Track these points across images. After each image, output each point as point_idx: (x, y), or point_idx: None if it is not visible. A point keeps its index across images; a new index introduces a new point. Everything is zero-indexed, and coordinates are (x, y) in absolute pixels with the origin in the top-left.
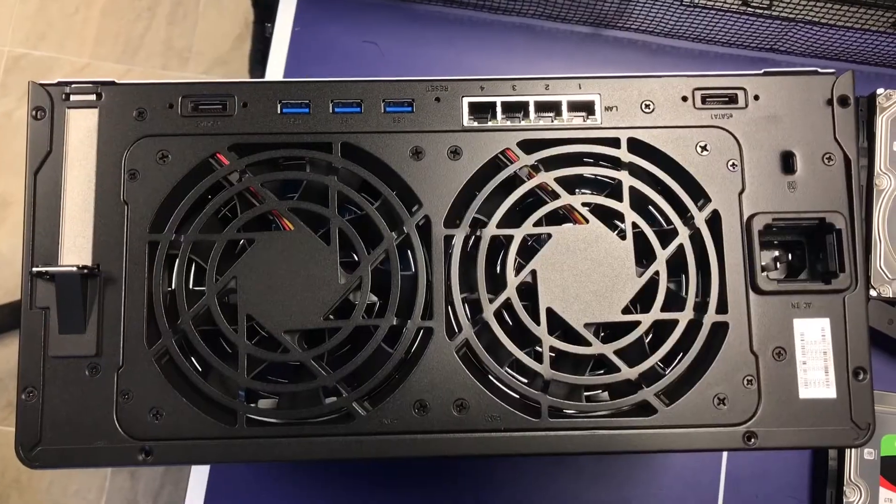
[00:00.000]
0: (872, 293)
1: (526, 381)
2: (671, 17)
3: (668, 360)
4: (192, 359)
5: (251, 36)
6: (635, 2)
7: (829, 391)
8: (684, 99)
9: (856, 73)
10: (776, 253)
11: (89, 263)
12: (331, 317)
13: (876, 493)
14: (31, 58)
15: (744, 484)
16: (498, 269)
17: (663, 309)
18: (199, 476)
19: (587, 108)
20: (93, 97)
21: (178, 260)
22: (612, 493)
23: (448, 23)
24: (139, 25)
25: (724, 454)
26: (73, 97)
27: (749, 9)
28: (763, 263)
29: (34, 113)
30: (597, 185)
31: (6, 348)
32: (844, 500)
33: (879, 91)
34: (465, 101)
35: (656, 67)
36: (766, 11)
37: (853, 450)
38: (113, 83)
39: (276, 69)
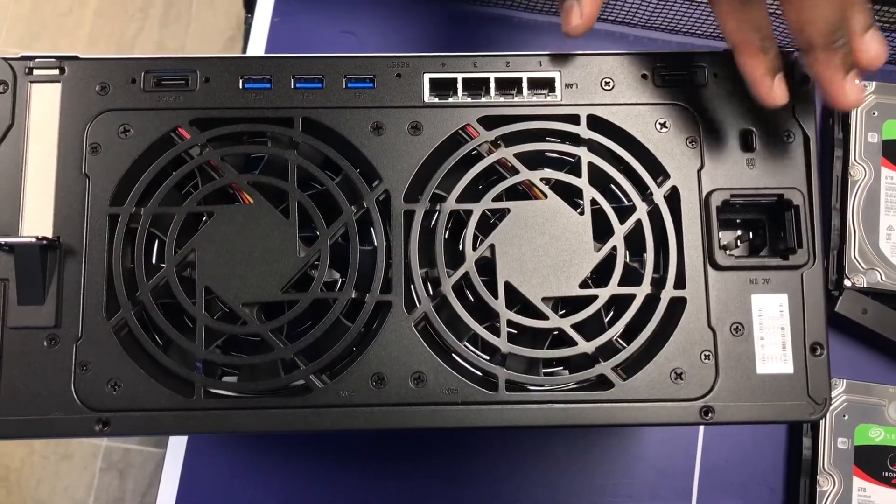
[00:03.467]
0: (847, 283)
1: (487, 356)
2: (647, 9)
3: (628, 336)
4: (154, 334)
5: (243, 37)
6: None
7: (787, 366)
8: (644, 77)
9: None
10: (738, 232)
11: (49, 235)
12: (290, 290)
13: (849, 483)
14: None
15: (718, 472)
16: (460, 246)
17: (621, 284)
18: (171, 471)
19: (548, 85)
20: (56, 72)
21: (137, 232)
22: (587, 481)
23: (425, 14)
24: (132, 26)
25: (700, 441)
26: (35, 71)
27: None
28: (725, 242)
29: None
30: (557, 165)
31: None
32: (818, 489)
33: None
34: (427, 77)
35: None
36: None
37: (827, 439)
38: (76, 58)
39: None
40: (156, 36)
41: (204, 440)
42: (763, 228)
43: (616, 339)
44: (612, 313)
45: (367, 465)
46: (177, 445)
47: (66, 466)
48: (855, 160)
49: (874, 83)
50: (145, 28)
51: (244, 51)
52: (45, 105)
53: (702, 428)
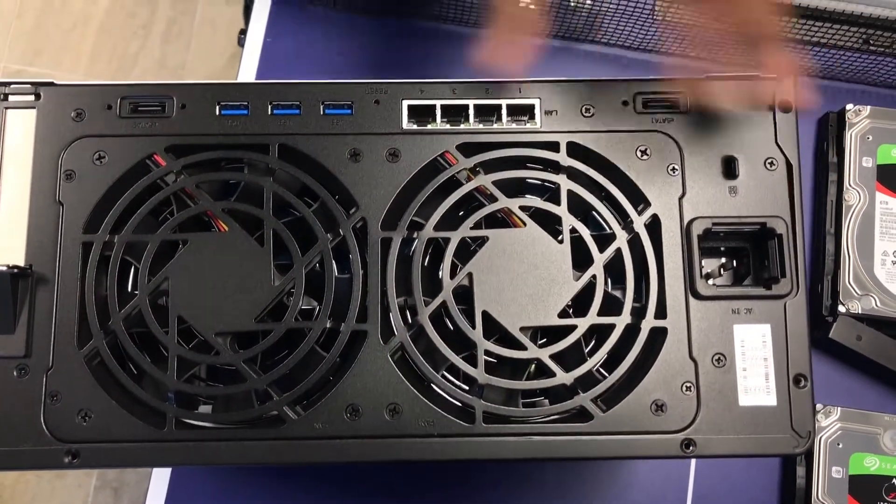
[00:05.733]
0: (841, 309)
1: (466, 387)
2: (641, 31)
3: (608, 366)
4: (128, 363)
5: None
6: (605, 15)
7: (770, 398)
8: (625, 103)
9: (826, 89)
10: (722, 260)
11: (21, 263)
12: (265, 319)
13: None
14: (26, 74)
15: (711, 501)
16: (440, 274)
17: (601, 313)
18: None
19: (527, 111)
20: (31, 98)
21: (111, 260)
22: None
23: (420, 37)
24: (134, 43)
25: (692, 470)
26: (11, 97)
27: (720, 24)
28: (708, 271)
29: None
30: (539, 193)
31: None
32: None
33: (849, 107)
34: (405, 103)
35: None
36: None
37: (821, 468)
38: (52, 84)
39: (246, 79)
40: (157, 53)
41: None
42: (747, 257)
43: (596, 370)
44: (592, 343)
45: (355, 490)
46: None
47: (60, 484)
48: (849, 185)
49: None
50: (147, 45)
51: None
52: (19, 131)
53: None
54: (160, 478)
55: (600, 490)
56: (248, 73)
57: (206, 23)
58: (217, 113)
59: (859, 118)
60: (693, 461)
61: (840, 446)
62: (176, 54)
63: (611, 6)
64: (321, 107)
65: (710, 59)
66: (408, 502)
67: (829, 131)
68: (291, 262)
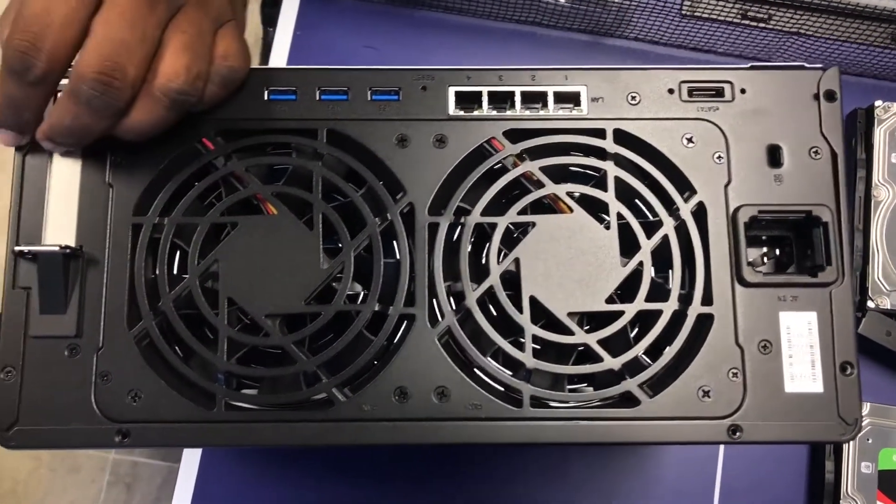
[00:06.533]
0: (871, 304)
1: (509, 371)
2: (670, 27)
3: (652, 352)
4: (174, 344)
5: (261, 51)
6: (635, 11)
7: (816, 385)
8: (671, 91)
9: (855, 85)
10: (764, 249)
11: (72, 244)
12: (312, 302)
13: None
14: None
15: (738, 495)
16: (483, 259)
17: (647, 299)
18: (184, 484)
19: (573, 99)
20: None
21: (161, 243)
22: (603, 501)
23: (448, 29)
24: None
25: (720, 464)
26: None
27: (747, 20)
28: (751, 259)
29: None
30: (583, 180)
31: None
32: None
33: (878, 103)
34: (452, 90)
35: None
36: (764, 24)
37: (850, 463)
38: None
39: None
40: None
41: (217, 455)
42: (789, 245)
43: (641, 356)
44: (636, 330)
45: (381, 483)
46: (190, 461)
47: (73, 479)
48: (878, 181)
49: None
50: None
51: (264, 64)
52: None
53: (721, 449)
54: (186, 478)
55: (626, 482)
56: (277, 65)
57: None
58: (265, 98)
59: (888, 115)
60: (721, 454)
61: (870, 441)
62: None
63: (639, 1)
64: (368, 92)
65: (736, 55)
66: (432, 493)
67: (858, 128)
68: (335, 247)
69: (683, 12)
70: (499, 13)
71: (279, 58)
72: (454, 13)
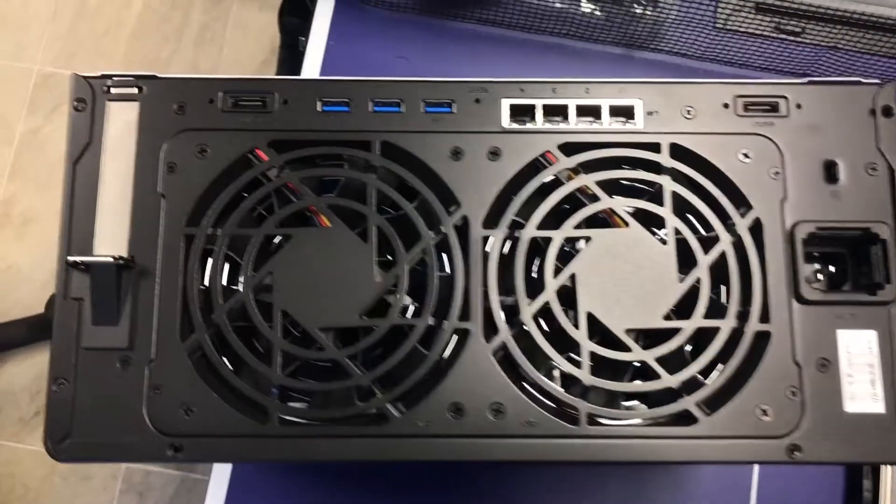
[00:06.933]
0: None
1: (563, 387)
2: (704, 40)
3: (706, 370)
4: (224, 357)
5: (277, 60)
6: (668, 24)
7: (877, 405)
8: (726, 106)
9: None
10: (817, 265)
11: (125, 255)
12: (365, 316)
13: None
14: (59, 77)
15: None
16: (535, 273)
17: (705, 317)
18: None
19: (628, 112)
20: (134, 90)
21: (214, 254)
22: None
23: (480, 40)
24: (166, 48)
25: (755, 481)
26: (113, 90)
27: (783, 34)
28: (805, 276)
29: (75, 104)
30: (634, 194)
31: (20, 364)
32: None
33: None
34: (506, 102)
35: None
36: (798, 38)
37: (889, 480)
38: (154, 77)
39: None
40: (189, 58)
41: (246, 468)
42: (843, 262)
43: (696, 373)
44: (691, 347)
45: (411, 502)
46: (220, 474)
47: (85, 487)
48: None
49: None
50: (179, 50)
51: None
52: (122, 123)
53: (756, 467)
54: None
55: (661, 499)
56: (310, 75)
57: (238, 28)
58: (318, 109)
59: None
60: (756, 472)
61: None
62: (208, 59)
63: (673, 15)
64: (422, 104)
65: (772, 70)
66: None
67: None
68: (387, 259)
69: (717, 25)
70: (531, 25)
71: (311, 68)
72: (486, 24)
